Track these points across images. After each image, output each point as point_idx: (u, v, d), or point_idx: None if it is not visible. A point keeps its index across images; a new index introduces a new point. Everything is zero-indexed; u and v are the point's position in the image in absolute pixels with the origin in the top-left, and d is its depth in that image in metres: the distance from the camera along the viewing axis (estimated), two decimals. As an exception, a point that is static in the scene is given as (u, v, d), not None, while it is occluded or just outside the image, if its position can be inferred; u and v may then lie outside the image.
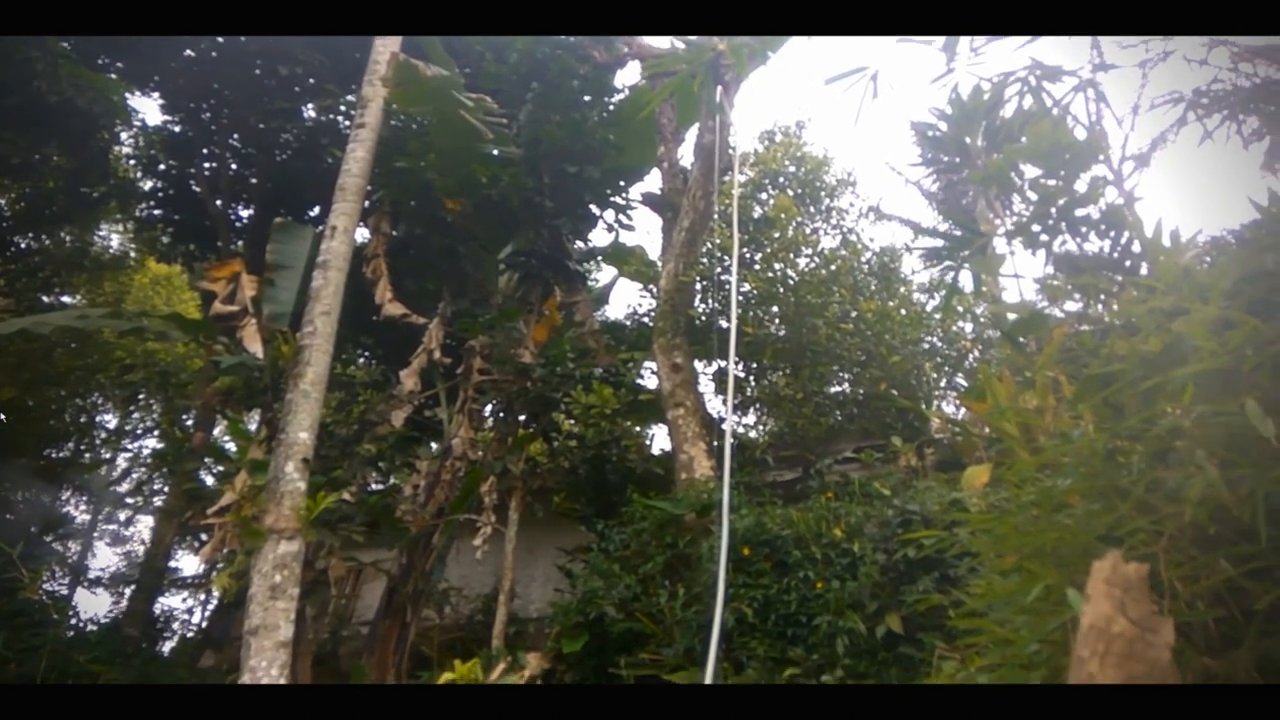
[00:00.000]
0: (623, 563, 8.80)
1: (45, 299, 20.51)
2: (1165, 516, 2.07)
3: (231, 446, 12.11)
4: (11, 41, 14.19)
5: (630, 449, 11.92)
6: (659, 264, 13.37)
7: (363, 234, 12.94)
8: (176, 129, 18.08)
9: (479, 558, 10.65)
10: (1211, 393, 2.02)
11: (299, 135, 16.89)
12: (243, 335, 10.11)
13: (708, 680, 4.40)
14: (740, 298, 11.23)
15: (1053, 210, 4.54)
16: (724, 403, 9.16)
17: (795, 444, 10.91)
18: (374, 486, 13.23)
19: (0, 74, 14.61)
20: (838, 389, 11.44)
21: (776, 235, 11.54)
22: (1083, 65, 4.07)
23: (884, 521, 7.54)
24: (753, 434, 12.45)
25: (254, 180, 18.26)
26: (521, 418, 12.06)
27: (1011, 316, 5.30)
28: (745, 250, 11.66)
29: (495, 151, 12.39)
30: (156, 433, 25.54)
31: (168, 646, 20.52)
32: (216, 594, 17.68)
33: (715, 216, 12.11)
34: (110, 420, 27.60)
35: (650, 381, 12.96)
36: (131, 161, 19.87)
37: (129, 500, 26.69)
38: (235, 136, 17.91)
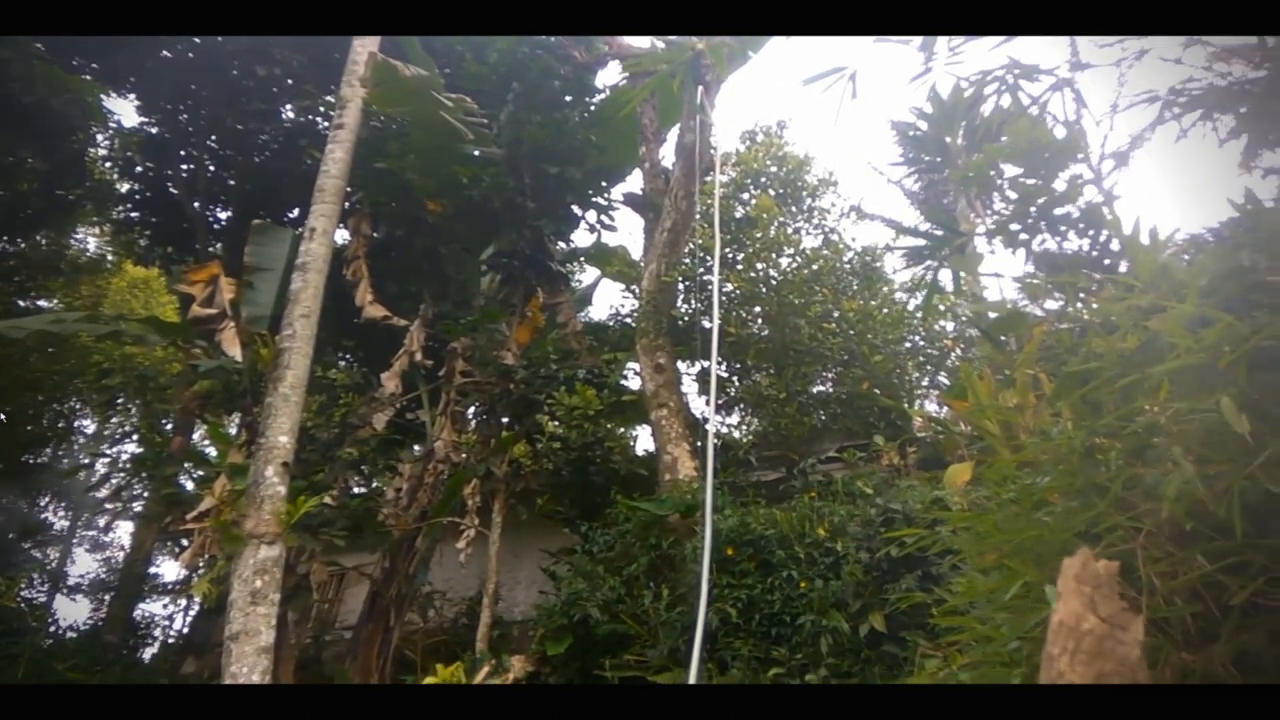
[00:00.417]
0: (607, 564, 8.79)
1: (21, 303, 20.26)
2: (1143, 513, 2.08)
3: (212, 451, 12.03)
4: (-15, 43, 14.04)
5: (614, 450, 11.90)
6: (641, 264, 13.36)
7: (343, 236, 12.86)
8: (153, 130, 17.92)
9: (463, 561, 10.61)
10: (1188, 389, 2.03)
11: (277, 136, 16.78)
12: (221, 338, 10.03)
13: (691, 681, 4.40)
14: (723, 298, 11.24)
15: (1032, 209, 4.57)
16: (707, 403, 9.17)
17: (779, 444, 10.92)
18: (356, 490, 13.16)
19: (-27, 76, 14.45)
20: (821, 388, 11.46)
21: (758, 235, 11.55)
22: (1059, 65, 4.09)
23: (867, 520, 7.56)
24: (736, 434, 12.45)
25: (232, 182, 18.12)
26: (504, 420, 12.02)
27: (992, 315, 5.33)
28: (727, 250, 11.67)
29: (476, 152, 12.35)
30: (135, 437, 25.30)
31: (148, 653, 20.34)
32: (197, 600, 17.55)
33: (697, 217, 12.11)
34: (88, 425, 27.35)
35: (634, 382, 12.95)
36: (108, 164, 19.69)
37: (108, 506, 26.42)
38: (213, 138, 17.78)
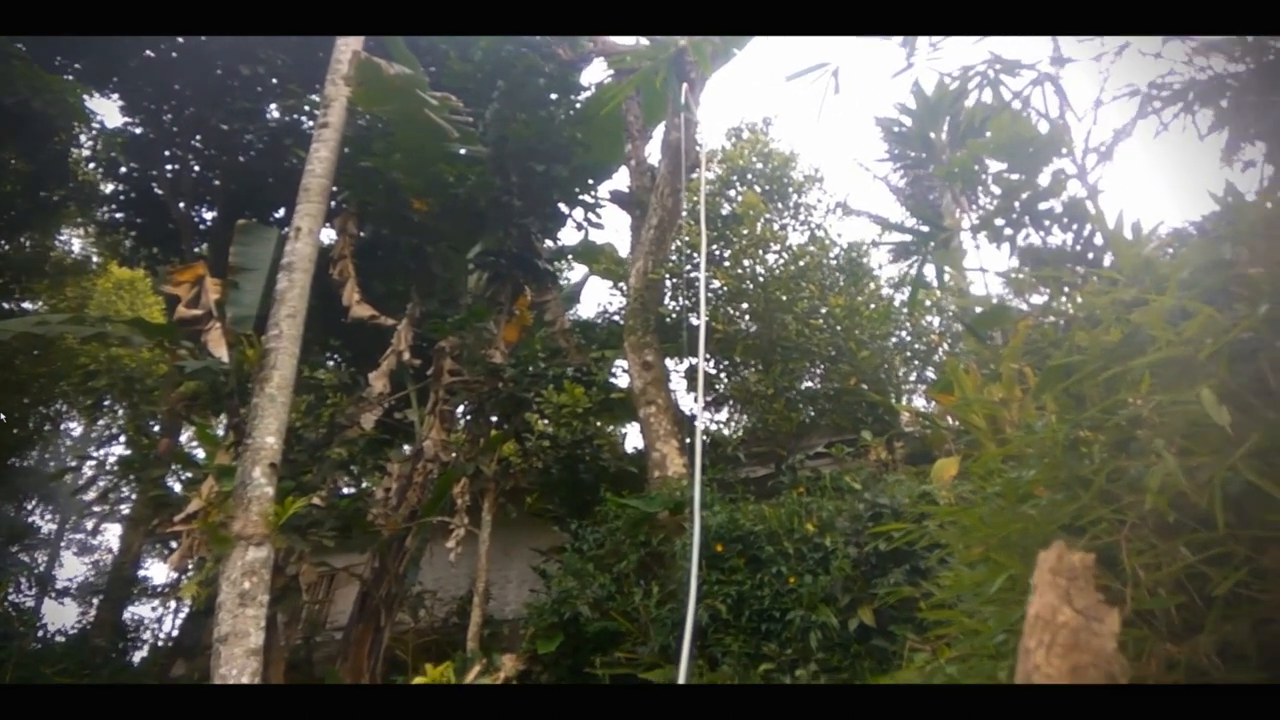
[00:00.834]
0: (597, 562, 8.80)
1: (5, 305, 20.14)
2: (1127, 505, 2.09)
3: (199, 452, 11.97)
4: (-35, 44, 13.94)
5: (603, 448, 11.90)
6: (629, 262, 13.37)
7: (329, 235, 12.82)
8: (137, 131, 17.84)
9: (453, 560, 10.59)
10: (1170, 382, 2.04)
11: (262, 136, 16.70)
12: (207, 339, 9.98)
13: (680, 678, 4.40)
14: (710, 295, 11.26)
15: (1016, 204, 4.59)
16: (695, 400, 9.18)
17: (767, 440, 10.95)
18: (345, 490, 13.12)
19: (-46, 77, 14.34)
20: (808, 384, 11.50)
21: (745, 232, 11.57)
22: (1040, 60, 4.11)
23: (855, 515, 7.58)
24: (725, 431, 12.49)
25: (217, 182, 18.05)
26: (493, 418, 12.01)
27: (977, 310, 5.35)
28: (714, 247, 11.69)
29: (462, 151, 12.32)
30: (122, 439, 25.20)
31: (138, 656, 20.26)
32: (187, 602, 17.47)
33: (684, 214, 12.12)
34: (75, 427, 27.22)
35: (622, 380, 12.95)
36: (92, 164, 19.57)
37: (95, 508, 26.31)
38: (197, 138, 17.70)
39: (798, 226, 12.68)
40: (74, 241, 24.33)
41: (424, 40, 14.33)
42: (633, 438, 15.73)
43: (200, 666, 12.00)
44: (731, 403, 12.69)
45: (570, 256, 16.85)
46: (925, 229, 4.96)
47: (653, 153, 13.96)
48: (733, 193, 12.77)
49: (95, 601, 22.32)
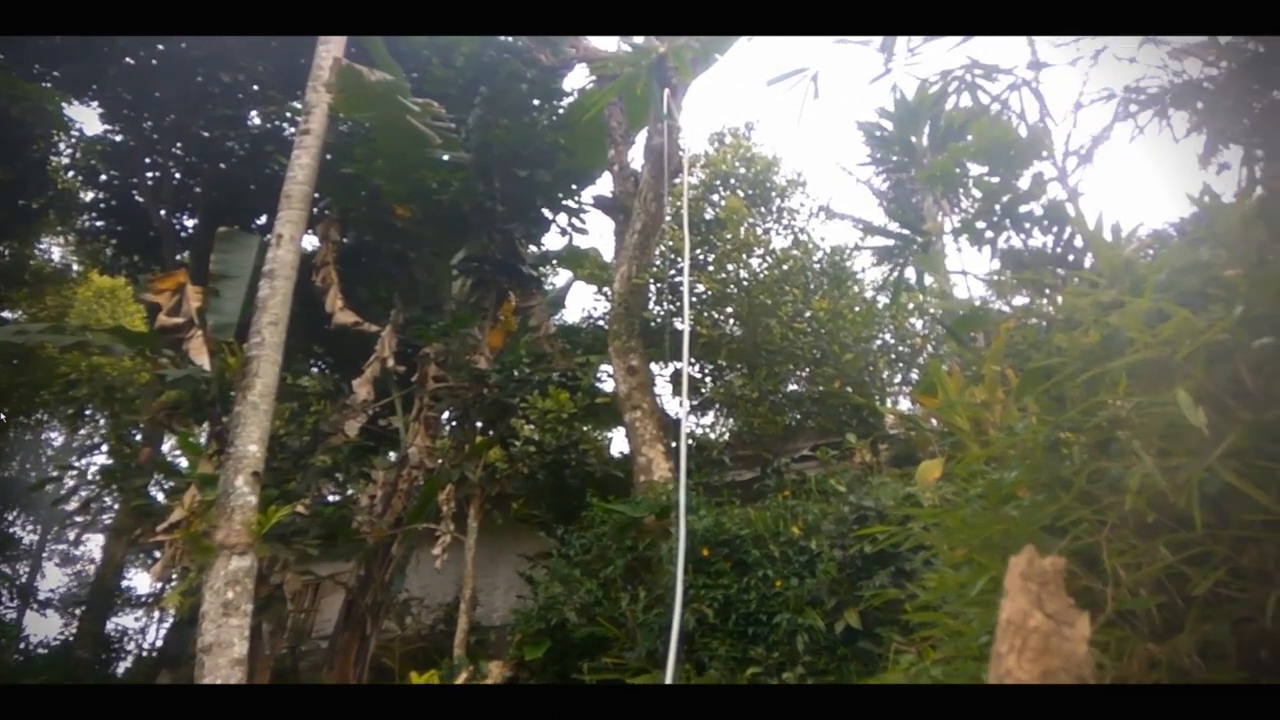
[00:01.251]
0: (583, 567, 8.78)
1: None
2: (1107, 506, 2.10)
3: (182, 461, 11.89)
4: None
5: (589, 453, 11.89)
6: (613, 267, 13.37)
7: (311, 242, 12.77)
8: (117, 138, 17.71)
9: (439, 567, 10.56)
10: (1148, 383, 2.06)
11: (243, 143, 16.61)
12: (189, 347, 9.93)
13: (668, 683, 4.40)
14: (694, 299, 11.28)
15: (997, 207, 4.62)
16: (680, 404, 9.19)
17: (753, 443, 10.97)
18: (329, 498, 13.06)
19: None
20: (793, 388, 11.53)
21: (728, 236, 11.60)
22: (1017, 64, 4.14)
23: (840, 518, 7.60)
24: (710, 435, 12.50)
25: (198, 189, 17.94)
26: (479, 424, 11.98)
27: (960, 313, 5.38)
28: (698, 252, 11.71)
29: (444, 156, 12.29)
30: (104, 448, 25.00)
31: (122, 667, 20.13)
32: (170, 612, 17.35)
33: (667, 218, 12.13)
34: (56, 437, 26.98)
35: (607, 385, 12.95)
36: (71, 172, 19.42)
37: (77, 519, 26.10)
38: (178, 145, 17.58)
39: (781, 230, 12.73)
40: (54, 250, 24.15)
41: (405, 46, 14.30)
42: (618, 442, 15.71)
43: (185, 677, 11.90)
44: (717, 406, 12.71)
45: (554, 262, 16.83)
46: (907, 233, 4.99)
47: (636, 158, 13.97)
48: (716, 197, 12.80)
49: (78, 612, 22.16)
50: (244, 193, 17.06)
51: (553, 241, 28.11)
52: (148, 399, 16.75)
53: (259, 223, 17.11)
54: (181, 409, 11.07)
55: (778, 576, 7.35)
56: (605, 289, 14.76)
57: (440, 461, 11.32)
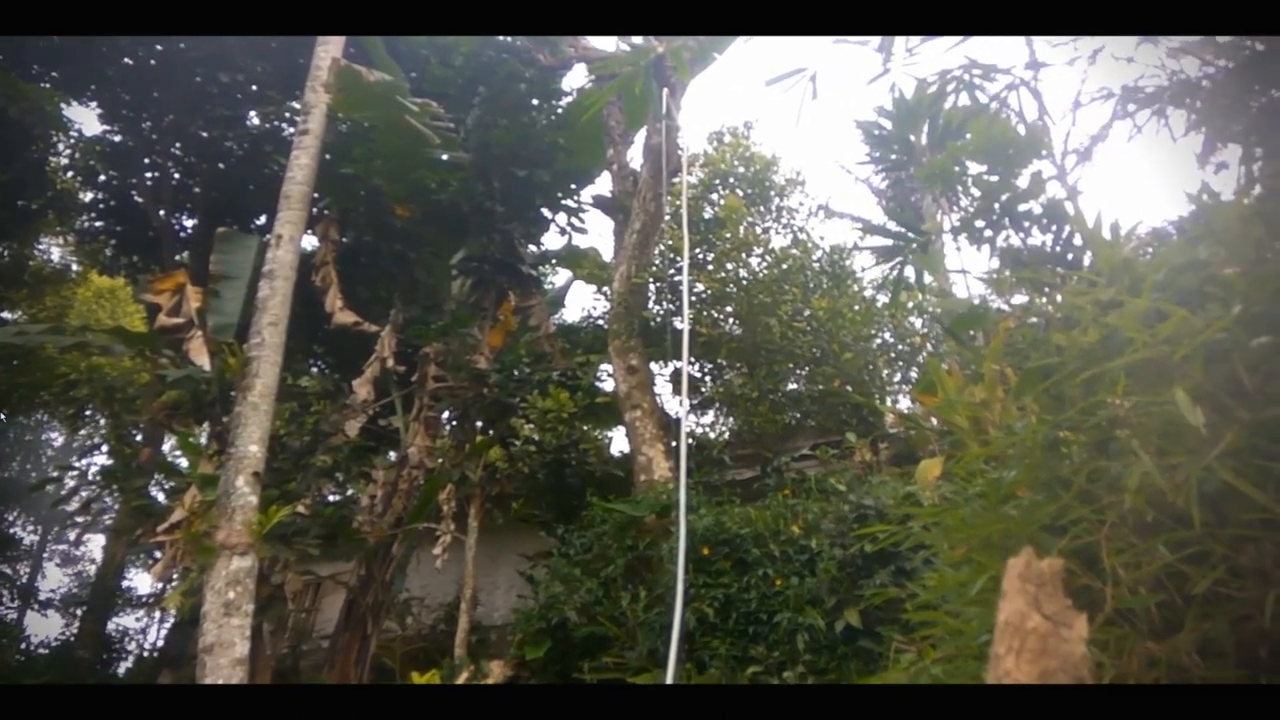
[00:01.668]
0: (584, 567, 8.79)
1: (-17, 315, 19.99)
2: (1106, 505, 2.11)
3: (182, 461, 11.89)
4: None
5: (589, 452, 11.88)
6: (612, 266, 13.38)
7: (311, 242, 12.77)
8: (116, 139, 17.71)
9: (439, 567, 10.56)
10: (1146, 383, 2.06)
11: (242, 143, 16.61)
12: (189, 348, 9.93)
13: (668, 682, 4.40)
14: (693, 298, 11.28)
15: (996, 206, 4.62)
16: (680, 403, 9.20)
17: (753, 442, 10.97)
18: (330, 498, 13.07)
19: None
20: (793, 387, 11.53)
21: (728, 235, 11.60)
22: (1015, 64, 4.15)
23: (840, 517, 7.61)
24: (710, 434, 12.49)
25: (197, 189, 17.94)
26: (479, 424, 11.98)
27: (959, 312, 5.38)
28: (697, 251, 11.71)
29: (443, 156, 12.29)
30: (104, 449, 25.00)
31: (123, 668, 20.14)
32: (171, 612, 17.35)
33: (666, 218, 12.14)
34: (56, 438, 26.98)
35: (607, 384, 12.95)
36: (70, 173, 19.42)
37: (78, 519, 26.07)
38: (177, 145, 17.58)
39: (780, 229, 12.73)
40: (53, 250, 24.12)
41: (404, 46, 14.30)
42: (618, 442, 15.70)
43: (186, 677, 11.91)
44: (716, 406, 12.70)
45: (554, 261, 16.84)
46: (906, 232, 4.99)
47: (635, 157, 13.98)
48: (715, 196, 12.80)
49: (79, 613, 22.15)
50: (243, 193, 17.06)
51: (552, 241, 28.15)
52: (148, 399, 16.75)
53: (258, 223, 17.12)
54: (182, 409, 11.07)
55: (778, 575, 7.35)
56: (605, 288, 14.76)
57: (440, 461, 11.33)
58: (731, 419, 12.41)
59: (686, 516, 6.31)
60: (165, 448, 19.58)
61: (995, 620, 2.15)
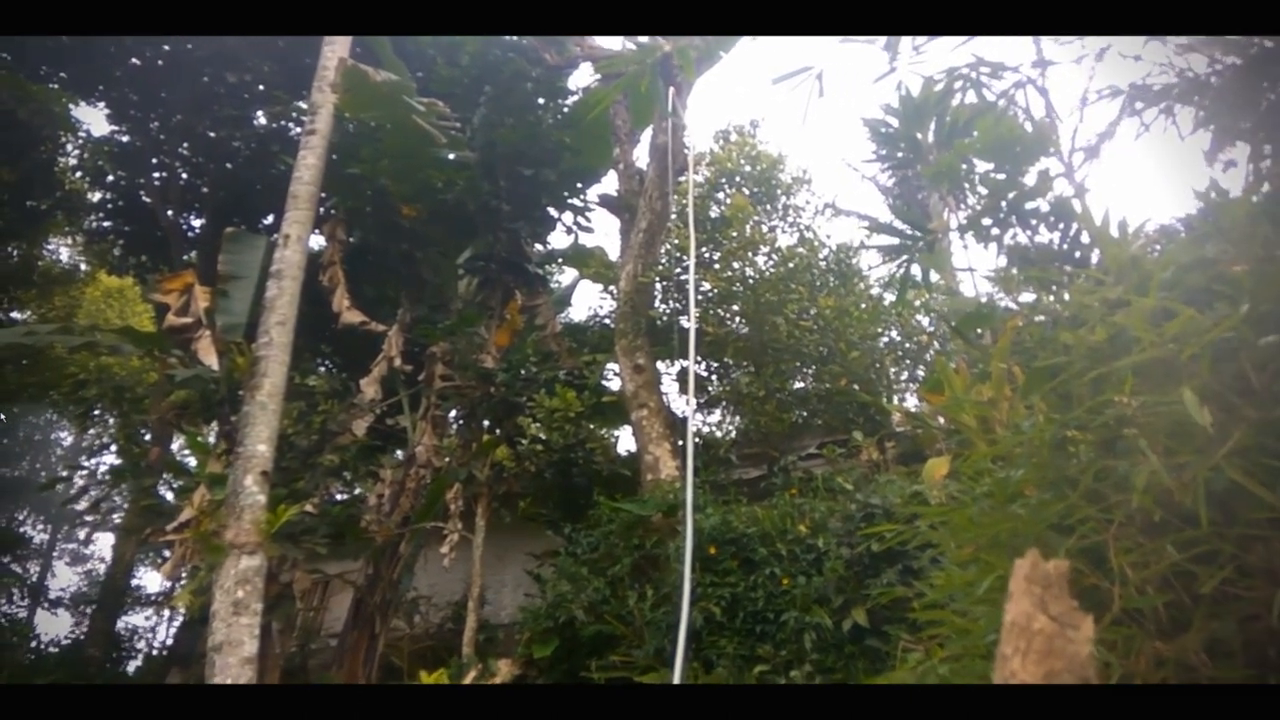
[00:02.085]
0: (591, 566, 8.79)
1: (-8, 315, 20.08)
2: (1114, 504, 2.10)
3: (191, 461, 11.93)
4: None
5: (596, 452, 11.90)
6: (619, 265, 13.38)
7: (318, 242, 12.79)
8: (124, 139, 17.77)
9: (447, 565, 10.58)
10: (1154, 382, 2.05)
11: (249, 143, 16.66)
12: (197, 348, 9.95)
13: (676, 681, 4.40)
14: (700, 297, 11.28)
15: (1003, 203, 4.60)
16: (687, 402, 9.20)
17: (759, 441, 10.97)
18: (337, 497, 13.09)
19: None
20: (799, 385, 11.53)
21: (734, 234, 11.60)
22: (1022, 63, 4.13)
23: (847, 516, 7.60)
24: (717, 433, 12.50)
25: (205, 189, 18.00)
26: (485, 423, 11.99)
27: (965, 310, 5.37)
28: (704, 250, 11.71)
29: (450, 156, 12.30)
30: (113, 448, 25.09)
31: (133, 666, 20.20)
32: (181, 611, 17.41)
33: (673, 217, 12.13)
34: (66, 437, 27.08)
35: (614, 383, 12.96)
36: (78, 173, 19.49)
37: (87, 518, 26.14)
38: (185, 145, 17.64)
39: (787, 228, 12.72)
40: (62, 250, 24.24)
41: (411, 46, 14.32)
42: (625, 441, 15.70)
43: (195, 676, 11.93)
44: (723, 405, 12.71)
45: (560, 260, 16.85)
46: (913, 230, 4.98)
47: (641, 156, 13.98)
48: (721, 195, 12.79)
49: (89, 611, 22.26)
50: (250, 193, 17.11)
51: (558, 240, 28.18)
52: (156, 399, 16.83)
53: (265, 222, 17.16)
54: (190, 409, 11.10)
55: (785, 574, 7.35)
56: (611, 287, 14.77)
57: (448, 460, 11.35)
58: (738, 418, 12.42)
59: (693, 515, 6.31)
60: (174, 447, 19.62)
61: (1002, 620, 2.14)
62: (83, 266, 23.79)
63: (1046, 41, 4.08)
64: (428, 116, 11.27)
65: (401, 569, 11.03)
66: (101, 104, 17.28)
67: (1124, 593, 2.02)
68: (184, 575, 9.94)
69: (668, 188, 11.74)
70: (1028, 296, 4.63)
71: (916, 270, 4.85)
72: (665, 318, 11.69)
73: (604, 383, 13.44)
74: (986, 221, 4.63)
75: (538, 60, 12.99)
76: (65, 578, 31.13)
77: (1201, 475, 1.86)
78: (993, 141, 4.47)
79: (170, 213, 17.75)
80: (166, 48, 16.11)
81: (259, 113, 17.12)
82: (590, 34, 13.38)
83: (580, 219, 13.50)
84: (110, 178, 18.27)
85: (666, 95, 11.45)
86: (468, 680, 8.30)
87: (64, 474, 24.41)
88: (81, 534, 28.39)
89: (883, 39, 4.08)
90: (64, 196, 19.31)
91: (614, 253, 14.93)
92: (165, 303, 10.40)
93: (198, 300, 10.29)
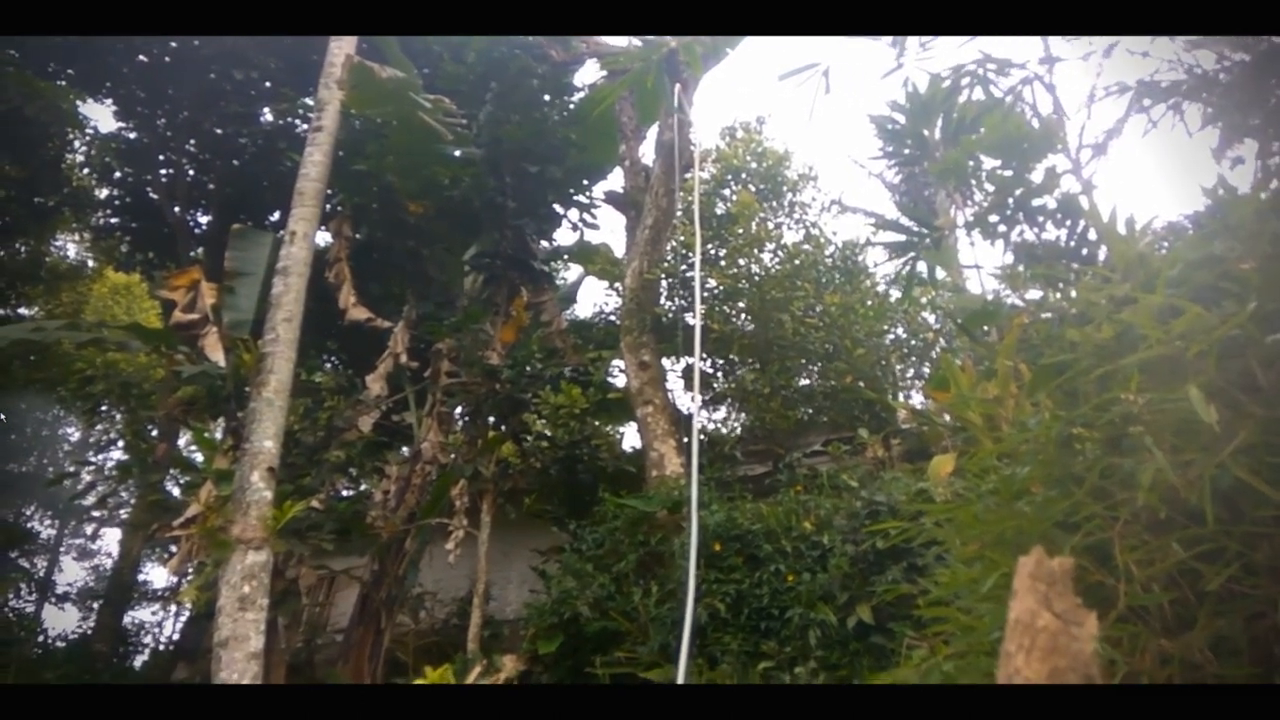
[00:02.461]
0: (596, 562, 8.80)
1: (1, 312, 20.13)
2: (1119, 502, 2.10)
3: (198, 457, 11.97)
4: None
5: (601, 448, 11.91)
6: (624, 262, 13.38)
7: (324, 238, 12.81)
8: (131, 135, 17.82)
9: (452, 561, 10.59)
10: (1160, 379, 2.05)
11: (256, 140, 16.70)
12: (204, 344, 9.98)
13: (680, 677, 4.41)
14: (706, 294, 11.27)
15: (1010, 200, 4.59)
16: (692, 399, 9.20)
17: (764, 438, 10.96)
18: (343, 493, 13.12)
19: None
20: (805, 383, 11.51)
21: (740, 231, 11.58)
22: (1029, 60, 4.13)
23: (852, 513, 7.59)
24: (722, 429, 12.49)
25: (212, 186, 18.04)
26: (491, 420, 12.01)
27: (973, 307, 5.36)
28: (709, 247, 11.70)
29: (456, 153, 12.32)
30: (120, 444, 25.16)
31: (139, 661, 20.27)
32: (187, 606, 17.46)
33: (679, 213, 12.13)
34: (73, 433, 27.17)
35: (619, 380, 12.96)
36: (86, 170, 19.55)
37: (94, 513, 26.28)
38: (191, 142, 17.68)
39: (793, 225, 12.68)
40: (69, 247, 24.31)
41: (417, 43, 14.33)
42: (630, 437, 15.73)
43: (201, 670, 11.99)
44: (729, 401, 12.70)
45: (566, 257, 16.85)
46: (919, 227, 4.97)
47: (647, 153, 13.98)
48: (727, 192, 12.77)
49: (95, 606, 22.32)
50: (257, 189, 17.14)
51: (564, 237, 28.19)
52: (163, 395, 16.86)
53: (272, 219, 17.20)
54: (197, 405, 11.13)
55: (790, 571, 7.35)
56: (617, 284, 14.77)
57: (453, 456, 11.37)
58: (743, 415, 12.41)
59: (698, 512, 6.31)
60: (181, 443, 19.71)
61: (1007, 617, 2.14)
62: (90, 263, 23.86)
63: (1054, 38, 4.07)
64: (434, 113, 11.28)
65: (407, 565, 11.05)
66: (109, 101, 17.33)
67: (1129, 590, 2.01)
68: (190, 570, 9.96)
69: (673, 184, 11.73)
70: (1034, 293, 4.63)
71: (923, 267, 4.85)
72: (670, 314, 11.67)
73: (609, 379, 13.44)
74: (993, 218, 4.62)
75: (543, 57, 12.99)
76: (72, 573, 31.26)
77: (1207, 473, 1.85)
78: (1000, 138, 4.46)
79: (177, 209, 17.79)
80: (174, 45, 16.15)
81: (265, 109, 17.16)
82: (596, 34, 13.37)
83: (586, 216, 13.52)
84: (117, 174, 18.33)
85: (672, 92, 11.44)
86: (473, 676, 8.31)
87: (71, 469, 24.50)
88: (89, 529, 28.51)
89: (889, 37, 4.08)
90: (71, 193, 19.36)
91: (619, 249, 14.94)
92: (172, 299, 10.44)
93: (204, 297, 10.32)
